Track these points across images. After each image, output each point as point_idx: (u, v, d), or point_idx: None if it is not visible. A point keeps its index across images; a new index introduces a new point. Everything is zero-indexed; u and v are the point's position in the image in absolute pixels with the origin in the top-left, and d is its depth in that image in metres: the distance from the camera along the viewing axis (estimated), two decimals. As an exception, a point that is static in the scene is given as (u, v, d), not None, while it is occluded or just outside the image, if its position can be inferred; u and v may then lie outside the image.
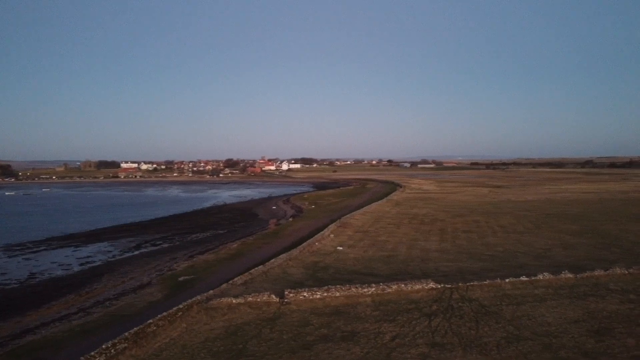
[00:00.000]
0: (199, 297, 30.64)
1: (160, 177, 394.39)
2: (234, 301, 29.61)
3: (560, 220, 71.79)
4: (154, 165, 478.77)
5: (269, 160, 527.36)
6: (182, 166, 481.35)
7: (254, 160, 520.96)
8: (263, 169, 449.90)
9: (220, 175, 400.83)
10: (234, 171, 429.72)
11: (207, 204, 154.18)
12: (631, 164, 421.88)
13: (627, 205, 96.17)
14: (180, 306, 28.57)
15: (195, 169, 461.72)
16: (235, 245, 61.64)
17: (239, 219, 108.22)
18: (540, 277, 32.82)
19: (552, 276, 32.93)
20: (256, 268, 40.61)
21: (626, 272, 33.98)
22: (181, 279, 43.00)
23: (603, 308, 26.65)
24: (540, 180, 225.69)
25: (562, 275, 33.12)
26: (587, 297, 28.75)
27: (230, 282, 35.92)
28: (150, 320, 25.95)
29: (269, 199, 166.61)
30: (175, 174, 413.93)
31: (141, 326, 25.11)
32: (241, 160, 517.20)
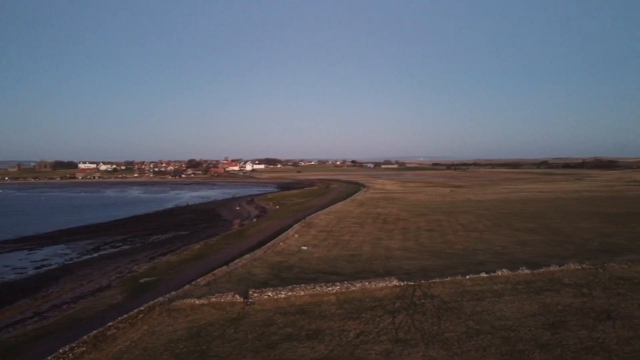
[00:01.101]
0: (161, 299, 30.09)
1: (120, 177, 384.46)
2: (197, 302, 29.22)
3: (517, 219, 74.08)
4: (114, 166, 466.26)
5: (233, 160, 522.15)
6: (143, 167, 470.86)
7: (217, 161, 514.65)
8: (226, 169, 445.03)
9: (183, 175, 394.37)
10: (197, 172, 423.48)
11: (169, 205, 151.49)
12: (584, 164, 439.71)
13: (579, 204, 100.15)
14: (142, 308, 28.00)
15: (156, 169, 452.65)
16: (198, 246, 60.81)
17: (202, 219, 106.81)
18: (499, 273, 33.79)
19: (510, 272, 33.95)
20: (220, 269, 40.20)
21: (579, 267, 35.39)
22: (142, 280, 42.12)
23: (558, 302, 27.67)
24: (499, 180, 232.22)
25: (520, 271, 34.19)
26: (543, 292, 29.78)
27: (194, 283, 35.42)
28: (110, 323, 25.34)
29: (233, 199, 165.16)
30: (135, 175, 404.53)
31: (100, 329, 24.49)
32: (204, 161, 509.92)
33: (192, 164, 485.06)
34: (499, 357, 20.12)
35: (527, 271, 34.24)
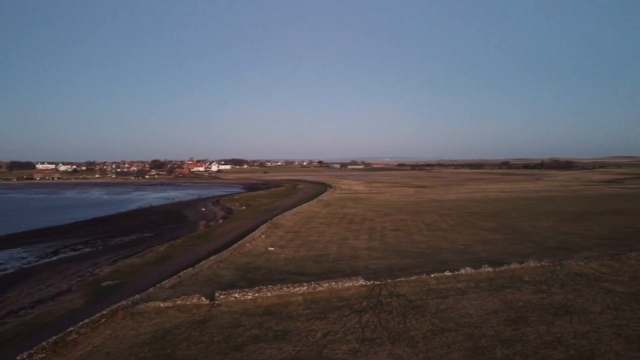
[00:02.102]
0: (124, 302, 29.43)
1: (81, 178, 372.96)
2: (162, 305, 28.73)
3: (480, 218, 75.88)
4: (74, 167, 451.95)
5: (198, 161, 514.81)
6: (105, 167, 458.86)
7: (182, 161, 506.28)
8: (191, 170, 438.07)
9: (146, 176, 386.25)
10: (161, 172, 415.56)
11: (133, 206, 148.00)
12: (542, 165, 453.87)
13: (539, 203, 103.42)
14: (104, 312, 27.32)
15: (118, 170, 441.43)
16: (162, 248, 59.76)
17: (166, 221, 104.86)
18: (463, 271, 34.57)
19: (473, 270, 34.78)
20: (185, 271, 39.62)
21: (538, 265, 36.57)
22: (105, 284, 41.09)
23: (519, 298, 28.52)
24: (462, 180, 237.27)
25: (482, 269, 35.07)
26: (504, 289, 30.63)
27: (158, 285, 34.81)
28: (71, 328, 24.64)
29: (198, 200, 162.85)
30: (97, 176, 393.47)
31: (61, 335, 23.78)
32: (168, 161, 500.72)
33: (156, 164, 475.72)
34: (462, 354, 20.58)
35: (489, 269, 35.15)
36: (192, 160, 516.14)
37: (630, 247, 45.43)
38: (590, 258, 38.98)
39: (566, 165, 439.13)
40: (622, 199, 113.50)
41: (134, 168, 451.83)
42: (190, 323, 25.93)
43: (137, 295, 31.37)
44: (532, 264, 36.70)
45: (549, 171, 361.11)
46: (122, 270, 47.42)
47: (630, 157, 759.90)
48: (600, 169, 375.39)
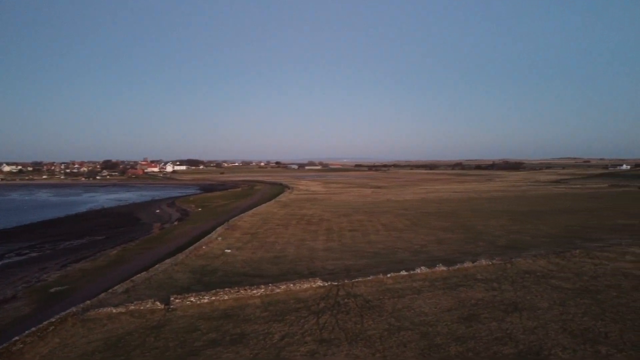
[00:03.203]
0: (74, 309, 28.35)
1: (27, 180, 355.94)
2: (114, 310, 27.86)
3: (434, 218, 77.63)
4: (19, 167, 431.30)
5: (152, 161, 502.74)
6: (53, 168, 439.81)
7: (135, 162, 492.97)
8: (145, 170, 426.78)
9: (98, 177, 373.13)
10: (113, 173, 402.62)
11: (83, 209, 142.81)
12: (493, 166, 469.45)
13: (490, 203, 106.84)
14: (53, 320, 26.22)
15: (68, 170, 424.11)
16: (115, 251, 57.98)
17: (119, 223, 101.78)
18: (418, 270, 35.28)
19: (428, 270, 35.56)
20: (139, 275, 38.61)
21: (490, 263, 37.80)
22: (53, 290, 39.48)
23: (471, 296, 29.35)
24: (417, 181, 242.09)
25: (437, 268, 35.91)
26: (458, 287, 31.46)
27: (110, 290, 33.74)
28: (17, 338, 23.50)
29: (153, 202, 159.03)
30: (44, 177, 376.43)
31: (5, 344, 22.66)
32: (121, 162, 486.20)
33: (108, 165, 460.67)
34: (418, 352, 20.98)
35: (443, 268, 36.03)
36: (146, 161, 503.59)
37: (575, 245, 47.65)
38: (538, 256, 40.65)
39: (516, 166, 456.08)
40: (567, 198, 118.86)
41: (84, 169, 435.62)
42: (144, 329, 25.27)
43: (88, 301, 30.29)
44: (484, 262, 37.89)
45: (500, 172, 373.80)
46: (71, 275, 45.69)
47: (574, 158, 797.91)
48: (547, 170, 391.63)
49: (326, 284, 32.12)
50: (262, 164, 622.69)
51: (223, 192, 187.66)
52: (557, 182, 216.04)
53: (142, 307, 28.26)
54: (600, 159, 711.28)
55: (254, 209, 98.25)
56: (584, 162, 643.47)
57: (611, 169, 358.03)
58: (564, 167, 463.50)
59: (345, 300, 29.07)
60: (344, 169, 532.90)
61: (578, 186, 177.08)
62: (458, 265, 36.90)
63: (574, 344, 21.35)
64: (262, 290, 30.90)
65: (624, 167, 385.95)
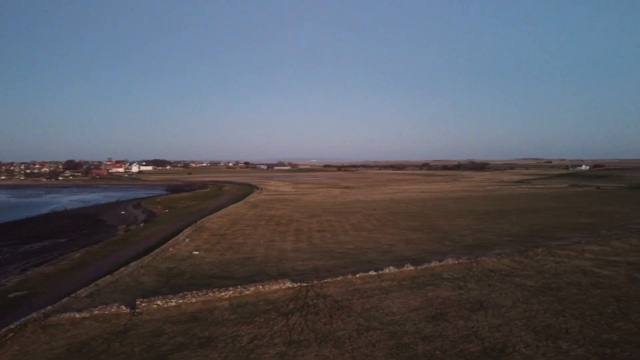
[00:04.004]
0: (34, 315, 27.43)
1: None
2: (77, 316, 27.10)
3: (402, 218, 78.57)
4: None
5: (117, 161, 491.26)
6: (12, 168, 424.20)
7: (99, 162, 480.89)
8: (110, 171, 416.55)
9: (60, 178, 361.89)
10: (76, 174, 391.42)
11: (44, 210, 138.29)
12: (460, 166, 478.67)
13: (456, 203, 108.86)
14: (11, 326, 25.32)
15: (28, 171, 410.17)
16: (78, 254, 56.37)
17: (82, 225, 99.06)
18: (387, 270, 35.64)
19: (396, 269, 35.96)
20: (104, 278, 37.68)
21: (456, 262, 38.50)
22: (12, 295, 38.05)
23: (438, 295, 29.84)
24: (386, 181, 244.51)
25: (405, 268, 36.36)
26: (425, 287, 31.92)
27: (73, 295, 32.82)
28: (-27, 346, 22.61)
29: (118, 203, 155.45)
30: (3, 177, 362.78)
31: (-39, 353, 21.77)
32: (84, 162, 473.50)
33: (71, 165, 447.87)
34: (386, 352, 21.19)
35: (411, 267, 36.50)
36: (111, 161, 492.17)
37: (538, 244, 49.07)
38: (503, 255, 41.66)
39: (481, 166, 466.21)
40: (530, 198, 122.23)
41: (45, 169, 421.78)
42: (109, 334, 24.68)
43: (50, 307, 29.38)
44: (450, 261, 38.57)
45: (466, 172, 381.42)
46: (32, 279, 44.18)
47: (536, 158, 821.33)
48: (511, 170, 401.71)
49: (295, 285, 32.09)
50: (231, 164, 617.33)
51: (191, 192, 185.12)
52: (521, 182, 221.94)
53: (106, 312, 27.59)
54: (561, 160, 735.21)
55: (223, 210, 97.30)
56: (546, 162, 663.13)
57: (571, 170, 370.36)
58: (527, 167, 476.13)
59: (315, 301, 29.11)
60: (313, 169, 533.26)
61: (540, 186, 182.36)
62: (425, 265, 37.45)
63: (537, 340, 21.98)
64: (231, 292, 30.64)
65: (584, 167, 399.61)
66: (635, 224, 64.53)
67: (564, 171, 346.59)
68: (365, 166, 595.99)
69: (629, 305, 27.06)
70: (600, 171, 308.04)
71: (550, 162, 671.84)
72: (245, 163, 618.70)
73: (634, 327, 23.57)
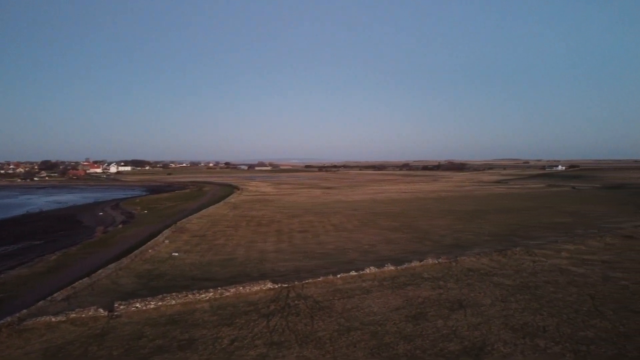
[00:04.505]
0: (9, 319, 26.79)
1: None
2: (53, 319, 26.55)
3: (383, 218, 79.00)
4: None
5: (95, 162, 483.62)
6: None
7: (76, 162, 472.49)
8: (87, 171, 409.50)
9: (35, 178, 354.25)
10: (53, 174, 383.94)
11: (19, 212, 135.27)
12: (439, 166, 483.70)
13: (436, 203, 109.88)
14: (-15, 331, 24.71)
15: (2, 171, 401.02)
16: (54, 257, 55.30)
17: (59, 227, 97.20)
18: (367, 270, 35.79)
19: (377, 269, 36.14)
20: (81, 281, 37.00)
21: (436, 262, 38.87)
22: (-15, 299, 37.15)
23: (419, 295, 30.08)
24: (366, 181, 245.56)
25: (386, 267, 36.57)
26: (406, 286, 32.15)
27: (49, 298, 32.15)
28: (-56, 351, 22.00)
29: (95, 204, 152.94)
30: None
31: None
32: (61, 162, 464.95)
33: (47, 165, 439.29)
34: (367, 352, 21.26)
35: (392, 267, 36.73)
36: (88, 161, 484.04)
37: (516, 243, 49.86)
38: (481, 254, 42.22)
39: (460, 166, 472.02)
40: (508, 198, 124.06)
41: (20, 169, 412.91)
42: (86, 337, 24.25)
43: (25, 310, 28.72)
44: (430, 261, 38.92)
45: (445, 172, 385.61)
46: (7, 282, 43.16)
47: (514, 159, 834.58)
48: (489, 171, 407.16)
49: (276, 286, 32.00)
50: (211, 164, 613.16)
51: (170, 193, 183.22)
52: (499, 182, 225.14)
53: (84, 315, 27.10)
54: (538, 160, 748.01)
55: (203, 210, 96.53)
56: (523, 162, 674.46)
57: (548, 170, 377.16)
58: (505, 167, 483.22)
59: (296, 301, 29.07)
60: (294, 169, 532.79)
61: (518, 186, 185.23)
62: (406, 265, 37.73)
63: (515, 339, 22.31)
64: (211, 293, 30.40)
65: (560, 167, 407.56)
66: (610, 223, 66.02)
67: (541, 171, 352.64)
68: (346, 166, 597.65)
69: (604, 303, 27.69)
70: (576, 171, 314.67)
71: (528, 162, 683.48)
72: (226, 163, 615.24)
73: (609, 324, 24.11)
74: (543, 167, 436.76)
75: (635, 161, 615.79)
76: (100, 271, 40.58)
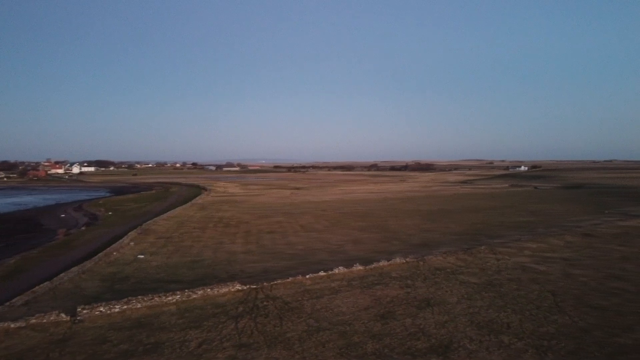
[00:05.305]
0: (-36, 326, 25.73)
1: None
2: (12, 325, 25.61)
3: (351, 218, 79.44)
4: None
5: (56, 162, 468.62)
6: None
7: (37, 163, 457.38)
8: (49, 172, 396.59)
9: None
10: (11, 175, 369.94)
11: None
12: (406, 167, 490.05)
13: (404, 203, 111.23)
14: (-62, 339, 23.63)
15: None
16: (13, 260, 53.31)
17: (18, 230, 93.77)
18: (336, 270, 35.93)
19: (345, 269, 36.32)
20: (41, 285, 35.84)
21: (404, 261, 39.34)
22: (-61, 306, 35.55)
23: (387, 294, 30.37)
24: (335, 182, 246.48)
25: (354, 267, 36.78)
26: (374, 286, 32.41)
27: (8, 303, 31.02)
28: None
29: (57, 206, 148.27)
30: None
31: None
32: (20, 163, 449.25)
33: (5, 166, 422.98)
34: (336, 352, 21.33)
35: (360, 267, 36.98)
36: (50, 162, 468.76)
37: (481, 242, 50.93)
38: (448, 253, 42.98)
39: (427, 167, 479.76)
40: (474, 198, 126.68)
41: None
42: (47, 343, 23.49)
43: (-19, 317, 27.64)
44: (398, 260, 39.36)
45: (412, 173, 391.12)
46: (-39, 288, 41.43)
47: (478, 159, 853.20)
48: (455, 171, 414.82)
49: (245, 288, 31.76)
50: (178, 165, 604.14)
51: (136, 194, 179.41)
52: (464, 182, 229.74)
53: (44, 320, 26.24)
54: (502, 161, 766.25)
55: (169, 212, 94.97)
56: (488, 163, 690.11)
57: (511, 170, 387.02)
58: (470, 168, 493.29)
59: (264, 303, 28.93)
60: (262, 170, 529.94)
61: (483, 186, 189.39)
62: (374, 264, 38.04)
63: (480, 335, 22.80)
64: (178, 296, 29.93)
65: (523, 168, 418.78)
66: (570, 222, 68.22)
67: (505, 172, 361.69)
68: (315, 167, 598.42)
69: (564, 299, 28.61)
70: (538, 172, 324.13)
71: (492, 163, 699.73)
72: (193, 164, 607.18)
73: (569, 319, 24.92)
74: (507, 168, 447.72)
75: (594, 162, 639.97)
76: (62, 275, 39.42)
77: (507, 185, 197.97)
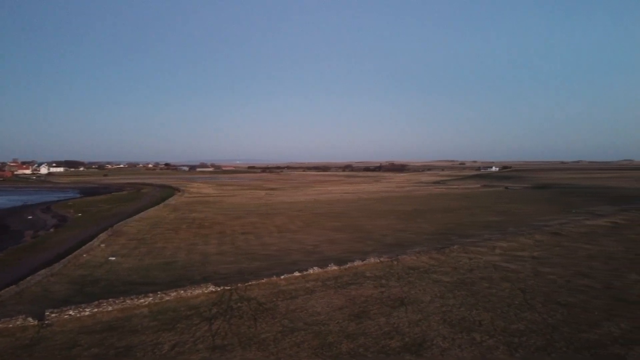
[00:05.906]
0: None
1: None
2: (-23, 331, 24.81)
3: (326, 219, 79.60)
4: None
5: (23, 163, 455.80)
6: None
7: (2, 163, 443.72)
8: (15, 173, 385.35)
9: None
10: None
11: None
12: (381, 167, 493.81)
13: (378, 203, 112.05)
14: None
15: None
16: (-23, 264, 51.65)
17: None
18: (311, 271, 35.96)
19: (320, 270, 36.38)
20: (7, 289, 34.77)
21: (378, 260, 39.64)
22: None
23: (361, 294, 30.54)
24: (310, 182, 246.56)
25: (329, 268, 36.88)
26: (349, 286, 32.56)
27: (-28, 308, 30.02)
28: None
29: (24, 207, 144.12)
30: None
31: None
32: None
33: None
34: (311, 352, 21.35)
35: (335, 267, 37.10)
36: (16, 162, 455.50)
37: (453, 241, 51.67)
38: (421, 252, 43.49)
39: (400, 168, 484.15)
40: (446, 198, 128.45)
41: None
42: (14, 349, 22.82)
43: (-56, 322, 26.65)
44: (372, 260, 39.65)
45: (387, 173, 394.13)
46: None
47: (451, 160, 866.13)
48: (428, 172, 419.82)
49: (219, 289, 31.50)
50: (151, 165, 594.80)
51: (106, 195, 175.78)
52: (437, 182, 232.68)
53: (10, 325, 25.47)
54: (474, 161, 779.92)
55: (141, 213, 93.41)
56: (460, 164, 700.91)
57: (483, 171, 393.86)
58: (443, 168, 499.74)
59: (239, 304, 28.75)
60: (237, 170, 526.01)
61: (455, 187, 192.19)
62: (349, 264, 38.22)
63: (453, 333, 23.15)
64: (151, 298, 29.47)
65: (494, 169, 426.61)
66: (539, 221, 69.84)
67: (476, 172, 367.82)
68: (290, 167, 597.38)
69: (534, 297, 29.28)
70: (508, 172, 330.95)
71: (464, 163, 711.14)
72: (166, 164, 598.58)
73: (538, 316, 25.51)
74: (478, 168, 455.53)
75: (562, 162, 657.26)
76: (29, 278, 38.36)
77: (478, 185, 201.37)
